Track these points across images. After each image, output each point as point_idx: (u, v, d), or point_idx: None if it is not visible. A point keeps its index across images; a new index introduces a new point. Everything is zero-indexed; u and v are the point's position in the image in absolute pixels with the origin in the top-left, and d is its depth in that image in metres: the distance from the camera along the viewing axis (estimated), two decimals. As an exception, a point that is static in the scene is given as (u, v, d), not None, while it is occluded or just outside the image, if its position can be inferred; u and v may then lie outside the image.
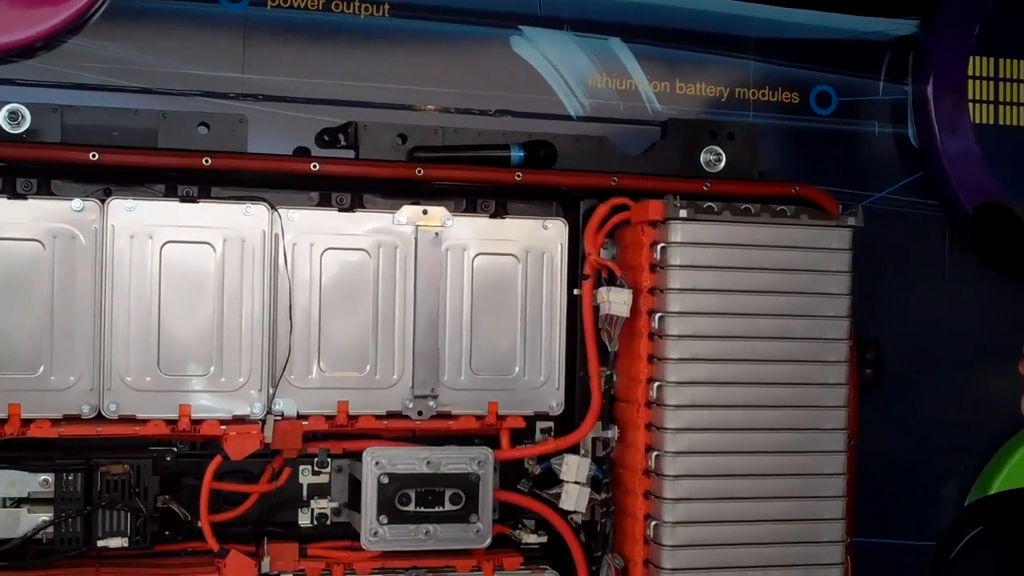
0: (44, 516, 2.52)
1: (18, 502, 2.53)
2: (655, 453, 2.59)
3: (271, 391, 2.58)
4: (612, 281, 2.67)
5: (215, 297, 2.56)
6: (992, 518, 1.69)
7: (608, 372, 2.69)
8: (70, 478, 2.52)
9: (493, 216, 2.76)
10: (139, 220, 2.52)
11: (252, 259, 2.56)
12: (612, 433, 2.70)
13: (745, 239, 2.61)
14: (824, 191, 2.82)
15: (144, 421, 2.52)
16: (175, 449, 2.63)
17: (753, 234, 2.61)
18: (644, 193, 2.67)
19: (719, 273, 2.59)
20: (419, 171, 2.62)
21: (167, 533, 2.60)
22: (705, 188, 2.75)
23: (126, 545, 2.53)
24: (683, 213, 2.57)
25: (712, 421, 2.60)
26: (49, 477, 2.52)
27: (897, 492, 3.33)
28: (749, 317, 2.61)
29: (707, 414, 2.59)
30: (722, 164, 2.85)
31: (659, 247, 2.59)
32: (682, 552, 2.58)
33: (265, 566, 2.59)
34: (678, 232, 2.57)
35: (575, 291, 2.74)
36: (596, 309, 2.69)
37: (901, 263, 3.43)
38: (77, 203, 2.51)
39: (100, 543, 2.52)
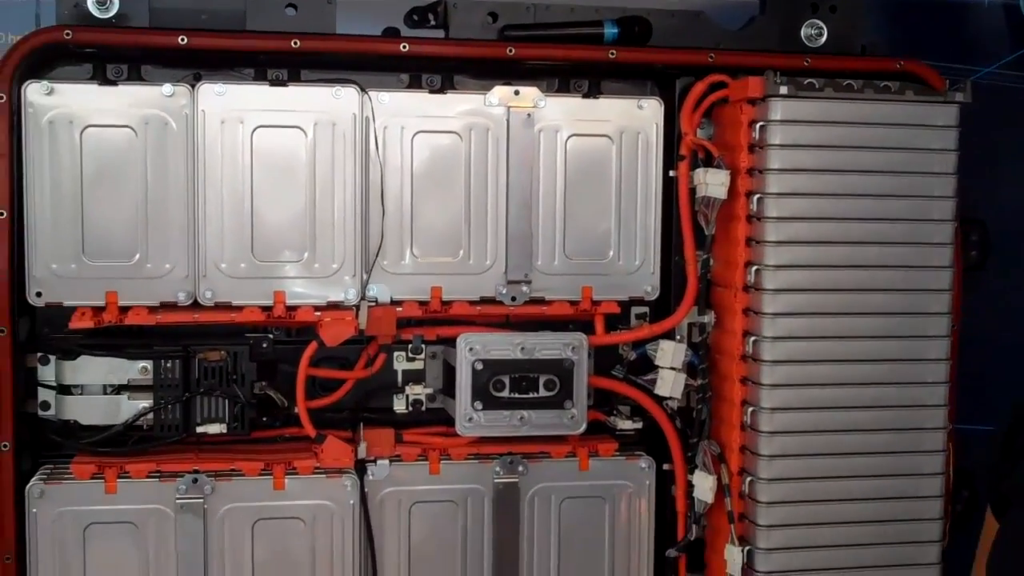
0: (144, 403, 2.67)
1: (118, 389, 2.68)
2: (753, 338, 2.67)
3: (365, 277, 2.70)
4: (709, 162, 2.71)
5: (307, 182, 2.66)
6: None
7: (704, 256, 2.75)
8: (168, 365, 2.66)
9: (586, 96, 2.81)
10: (229, 105, 2.62)
11: (343, 143, 2.65)
12: (708, 318, 2.78)
13: (847, 116, 2.63)
14: (930, 66, 2.83)
15: (239, 308, 2.65)
16: (271, 336, 2.76)
17: (855, 111, 2.64)
18: (742, 70, 2.70)
19: (820, 152, 2.63)
20: (510, 50, 2.69)
21: (264, 419, 2.74)
22: (806, 64, 2.78)
23: (224, 431, 2.68)
24: (783, 90, 2.60)
25: (811, 305, 2.66)
26: (148, 364, 2.66)
27: (1000, 377, 3.41)
28: (850, 197, 2.65)
29: (805, 298, 2.66)
30: (823, 38, 2.87)
31: (758, 126, 2.63)
32: (779, 438, 2.66)
33: (361, 451, 2.74)
34: (778, 110, 2.61)
35: (671, 173, 2.80)
36: (692, 191, 2.74)
37: (1008, 141, 3.45)
38: (167, 88, 2.61)
39: (199, 429, 2.67)
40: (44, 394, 2.67)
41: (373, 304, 2.71)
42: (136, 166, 2.62)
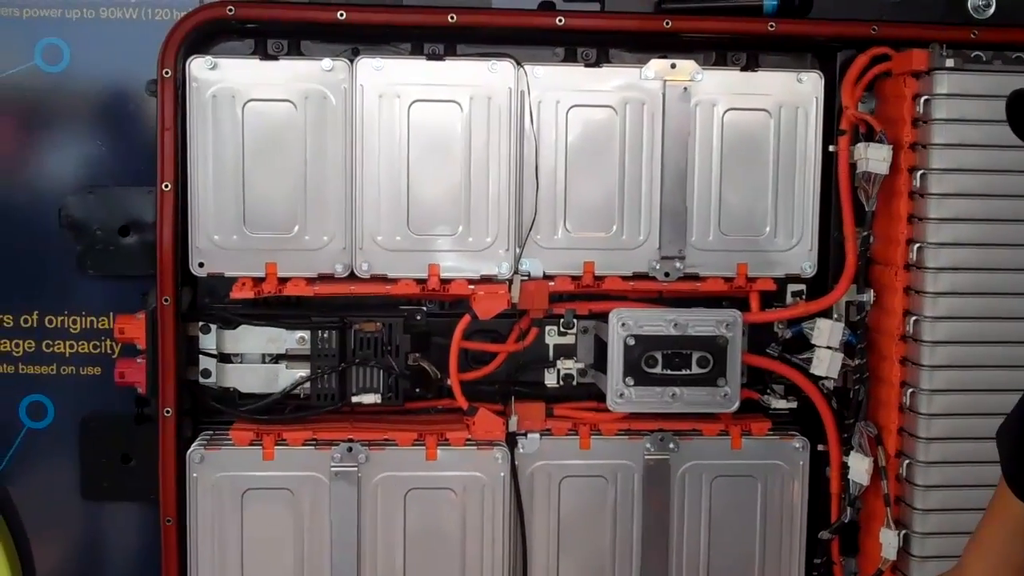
0: (301, 372, 2.87)
1: (276, 358, 2.88)
2: (913, 318, 2.73)
3: (518, 251, 2.84)
4: (870, 137, 2.77)
5: (462, 156, 2.80)
6: None
7: (864, 233, 2.81)
8: (325, 335, 2.86)
9: (744, 69, 2.89)
10: (387, 79, 2.77)
11: (498, 117, 2.79)
12: (867, 297, 2.84)
13: (1016, 91, 2.72)
14: (1106, 37, 2.82)
15: (395, 280, 2.82)
16: (425, 308, 2.93)
17: (1026, 85, 2.72)
18: (906, 42, 2.75)
19: (987, 127, 2.66)
20: (667, 23, 2.79)
21: (417, 391, 2.90)
22: (973, 36, 2.82)
23: (379, 401, 2.85)
24: (949, 63, 2.65)
25: (975, 285, 2.71)
26: (305, 334, 2.86)
27: None
28: (1018, 174, 2.68)
29: (969, 277, 2.70)
30: (991, 9, 2.88)
31: (922, 100, 2.69)
32: (939, 420, 2.73)
33: (512, 424, 2.88)
34: (944, 83, 2.66)
35: (830, 147, 2.86)
36: (852, 167, 2.80)
37: None
38: (327, 63, 2.79)
39: (354, 399, 2.85)
40: (205, 362, 2.88)
41: (526, 278, 2.85)
42: (296, 140, 2.79)
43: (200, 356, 2.88)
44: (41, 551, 3.13)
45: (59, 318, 3.07)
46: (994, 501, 1.86)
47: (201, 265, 2.81)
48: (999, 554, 1.84)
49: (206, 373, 2.88)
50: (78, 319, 3.07)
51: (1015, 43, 2.81)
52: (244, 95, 2.78)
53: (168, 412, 2.81)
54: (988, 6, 2.91)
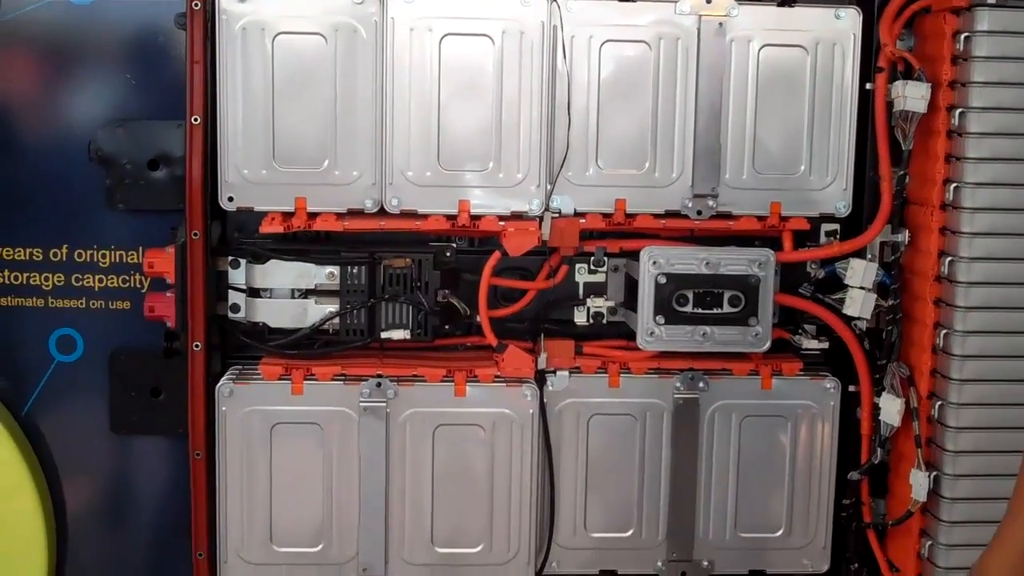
0: (331, 307, 2.84)
1: (306, 293, 2.86)
2: (949, 258, 2.69)
3: (549, 188, 2.80)
4: (908, 75, 2.72)
5: (494, 91, 2.76)
6: None
7: (900, 172, 2.77)
8: (355, 271, 2.83)
9: (781, 5, 2.82)
10: (418, 12, 2.72)
11: (530, 52, 2.74)
12: (902, 237, 2.80)
13: (1060, 28, 2.61)
14: None
15: (424, 216, 2.78)
16: (454, 245, 2.89)
17: (1068, 22, 2.64)
18: None
19: None
20: (703, -44, 2.75)
21: (446, 327, 2.88)
22: (1015, -28, 2.79)
23: (407, 337, 2.84)
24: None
25: (1012, 225, 2.67)
26: (335, 270, 2.84)
27: None
28: None
29: (1007, 217, 2.67)
30: None
31: (962, 37, 2.63)
32: (972, 362, 2.70)
33: (542, 362, 2.87)
34: (985, 20, 2.61)
35: (867, 85, 2.80)
36: (889, 105, 2.75)
37: None
38: (358, -5, 2.74)
39: (383, 335, 2.83)
40: (234, 297, 2.86)
41: (556, 215, 2.81)
42: (326, 73, 2.75)
43: (229, 291, 2.86)
44: (71, 485, 3.14)
45: (88, 252, 3.05)
46: None
47: (231, 199, 2.78)
48: None
49: (235, 308, 2.86)
50: (107, 253, 3.05)
51: (1059, -21, 2.72)
52: (274, 28, 2.75)
53: (197, 346, 2.80)
54: (1031, -59, 2.82)
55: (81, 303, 3.06)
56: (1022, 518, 1.85)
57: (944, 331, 2.74)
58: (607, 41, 2.79)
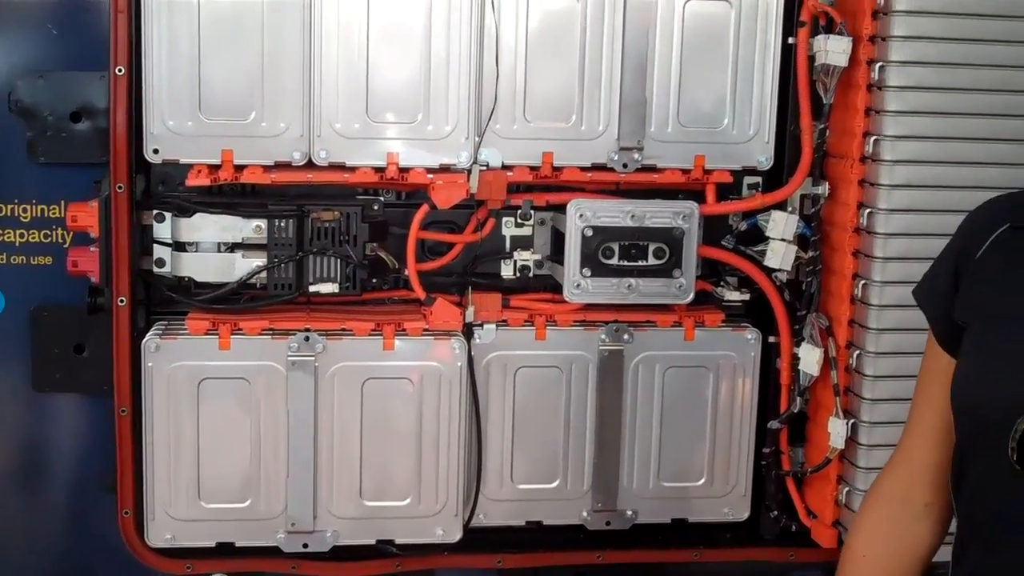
0: (258, 261, 2.77)
1: (233, 247, 2.78)
2: (868, 210, 2.70)
3: (477, 140, 2.76)
4: (830, 29, 2.72)
5: (422, 42, 2.69)
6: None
7: (821, 126, 2.77)
8: (282, 224, 2.75)
9: (705, -40, 2.82)
10: (345, -39, 2.68)
11: (459, 4, 2.69)
12: (822, 189, 2.80)
13: (977, -18, 2.63)
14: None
15: (353, 169, 2.73)
16: (382, 198, 2.84)
17: (986, -23, 2.64)
18: None
19: (948, 20, 2.62)
20: (628, -90, 2.72)
21: (375, 281, 2.82)
22: (934, -75, 2.78)
23: (336, 291, 2.78)
24: None
25: (931, 178, 2.68)
26: (262, 223, 2.75)
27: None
28: (978, 68, 2.65)
29: (925, 170, 2.68)
30: None
31: (883, -9, 2.63)
32: (889, 312, 2.71)
33: (469, 315, 2.83)
34: (904, -26, 2.61)
35: (790, 39, 2.80)
36: (811, 59, 2.75)
37: None
38: (282, -56, 2.67)
39: (311, 288, 2.77)
40: (159, 251, 2.77)
41: (484, 168, 2.77)
42: (253, 23, 2.67)
43: (154, 245, 2.77)
44: (-8, 445, 3.02)
45: (9, 207, 2.95)
46: (925, 361, 1.80)
47: (156, 151, 2.70)
48: (938, 412, 1.79)
49: (160, 262, 2.77)
50: (28, 207, 2.95)
51: (978, -66, 2.73)
52: (199, -23, 2.64)
53: (123, 301, 2.72)
54: None
55: (2, 259, 2.96)
56: (915, 433, 1.89)
57: (863, 282, 2.75)
58: (535, -6, 2.75)
